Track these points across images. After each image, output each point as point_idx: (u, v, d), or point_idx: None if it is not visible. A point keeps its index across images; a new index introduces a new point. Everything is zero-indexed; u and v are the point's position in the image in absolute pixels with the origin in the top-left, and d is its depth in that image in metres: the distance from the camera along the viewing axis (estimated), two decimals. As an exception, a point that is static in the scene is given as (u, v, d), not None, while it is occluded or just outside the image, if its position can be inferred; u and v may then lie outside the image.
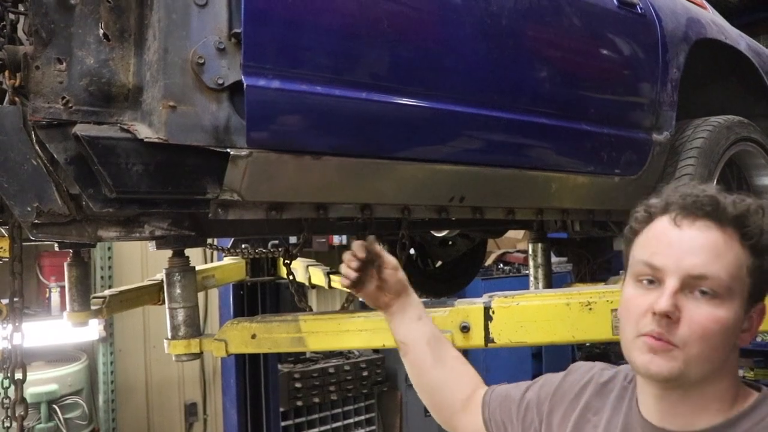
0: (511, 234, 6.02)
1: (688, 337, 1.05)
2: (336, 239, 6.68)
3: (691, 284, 1.06)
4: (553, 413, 1.33)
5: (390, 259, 1.51)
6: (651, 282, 1.10)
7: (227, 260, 3.95)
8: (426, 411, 6.22)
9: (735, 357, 1.13)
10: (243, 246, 3.59)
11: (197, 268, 3.54)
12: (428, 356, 1.52)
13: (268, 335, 1.91)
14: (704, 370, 1.08)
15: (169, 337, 1.96)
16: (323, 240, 6.52)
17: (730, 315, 1.06)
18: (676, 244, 1.09)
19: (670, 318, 1.06)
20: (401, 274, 1.55)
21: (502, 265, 7.69)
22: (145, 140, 1.44)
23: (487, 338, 1.80)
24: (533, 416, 1.37)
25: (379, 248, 1.48)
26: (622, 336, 1.15)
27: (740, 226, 1.08)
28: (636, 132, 2.42)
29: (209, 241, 3.37)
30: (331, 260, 6.55)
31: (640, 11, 2.43)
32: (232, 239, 3.63)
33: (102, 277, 5.47)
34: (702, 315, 1.05)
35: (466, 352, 6.03)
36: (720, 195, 1.10)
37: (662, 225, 1.12)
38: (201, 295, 5.74)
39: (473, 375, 1.57)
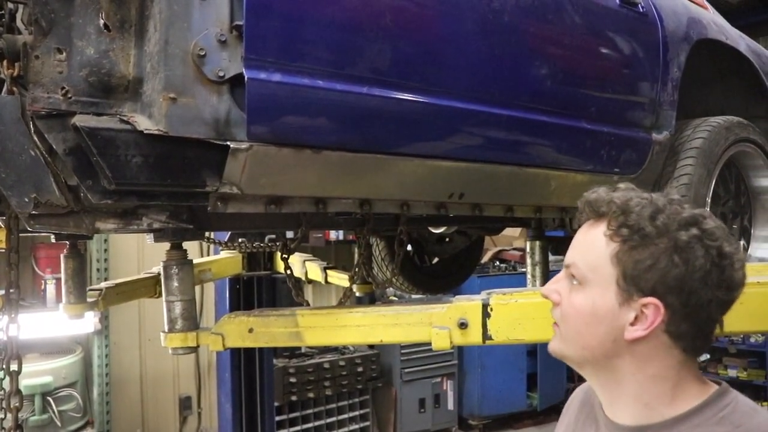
0: (508, 232, 6.02)
1: (559, 317, 1.21)
2: (333, 235, 6.68)
3: (569, 273, 1.20)
4: None
5: None
6: None
7: (224, 254, 3.94)
8: (420, 406, 6.23)
9: (646, 353, 1.14)
10: (240, 240, 3.58)
11: (194, 262, 3.55)
12: None
13: (265, 329, 1.91)
14: (579, 353, 1.19)
15: (166, 330, 1.95)
16: (320, 235, 6.52)
17: (586, 301, 1.16)
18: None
19: (551, 299, 1.22)
20: None
21: (498, 262, 7.70)
22: (145, 132, 1.43)
23: (485, 335, 1.80)
24: None
25: None
26: None
27: (609, 218, 1.15)
28: (636, 131, 2.42)
29: (206, 234, 3.36)
30: (327, 255, 6.55)
31: (641, 10, 2.42)
32: (229, 233, 3.62)
33: (98, 270, 5.47)
34: (565, 299, 1.20)
35: (461, 349, 6.03)
36: (605, 192, 1.19)
37: None
38: (197, 289, 5.71)
39: None
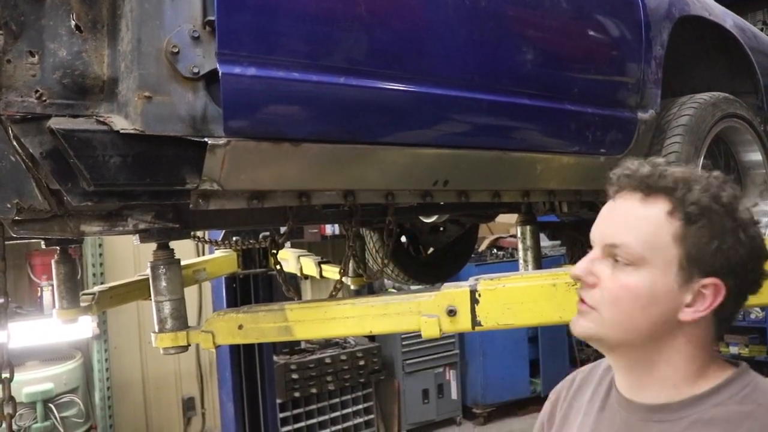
0: (505, 219, 6.02)
1: (600, 300, 1.13)
2: (329, 229, 6.68)
3: (610, 252, 1.13)
4: (554, 416, 1.38)
5: None
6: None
7: (219, 253, 3.94)
8: (423, 397, 6.24)
9: (691, 333, 1.12)
10: (234, 238, 3.58)
11: (188, 262, 3.55)
12: None
13: (254, 325, 1.90)
14: (622, 335, 1.13)
15: (156, 330, 1.95)
16: (315, 230, 6.52)
17: (643, 283, 1.10)
18: (604, 216, 1.18)
19: (585, 282, 1.15)
20: None
21: (495, 250, 7.70)
22: (121, 132, 1.42)
23: (474, 321, 1.79)
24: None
25: None
26: None
27: (668, 194, 1.10)
28: (621, 111, 2.41)
29: (200, 234, 3.36)
30: (324, 250, 6.56)
31: (622, -11, 2.41)
32: (223, 232, 3.62)
33: (94, 274, 5.46)
34: (612, 281, 1.12)
35: (463, 338, 6.09)
36: (656, 167, 1.13)
37: (608, 202, 1.20)
38: (195, 289, 5.74)
39: None
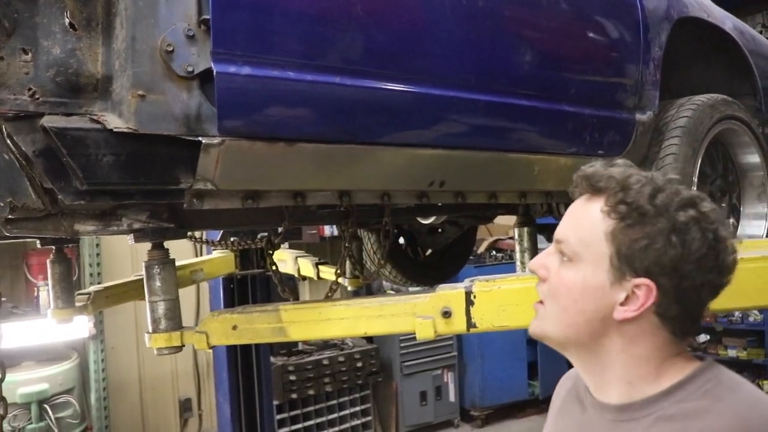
0: (504, 221, 6.01)
1: (546, 293, 1.19)
2: (327, 230, 6.66)
3: (558, 248, 1.18)
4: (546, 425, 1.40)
5: None
6: None
7: (216, 253, 3.93)
8: (421, 399, 6.24)
9: (633, 332, 1.13)
10: (231, 238, 3.57)
11: (185, 263, 3.54)
12: None
13: (249, 326, 1.90)
14: (563, 332, 1.16)
15: (150, 330, 1.94)
16: (314, 231, 6.51)
17: (576, 278, 1.14)
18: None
19: (538, 275, 1.20)
20: None
21: (494, 252, 7.70)
22: (115, 130, 1.41)
23: (469, 323, 1.79)
24: None
25: None
26: None
27: (607, 193, 1.13)
28: (619, 112, 2.40)
29: (197, 235, 3.35)
30: (322, 251, 6.54)
31: (620, -11, 2.40)
32: (221, 232, 3.61)
33: (91, 274, 5.44)
34: (554, 275, 1.17)
35: (461, 340, 6.03)
36: (603, 167, 1.16)
37: None
38: (192, 290, 5.73)
39: None
